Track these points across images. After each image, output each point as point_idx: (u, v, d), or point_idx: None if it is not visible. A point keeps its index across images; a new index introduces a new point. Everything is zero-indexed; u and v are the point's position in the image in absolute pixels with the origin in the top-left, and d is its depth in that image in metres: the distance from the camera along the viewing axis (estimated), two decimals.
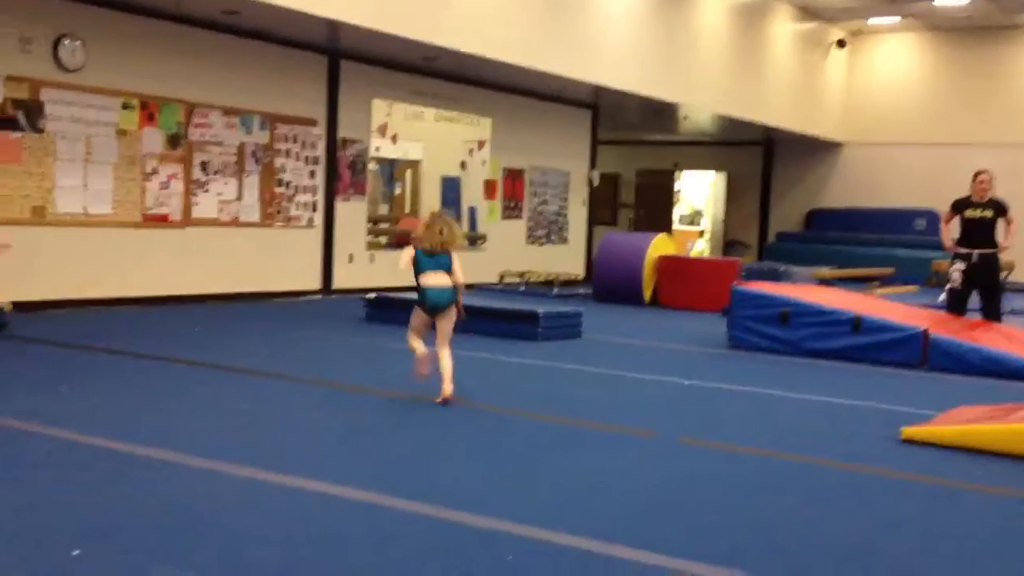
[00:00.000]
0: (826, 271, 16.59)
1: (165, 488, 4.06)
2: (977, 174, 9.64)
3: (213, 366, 7.02)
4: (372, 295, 10.21)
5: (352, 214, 12.84)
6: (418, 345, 6.16)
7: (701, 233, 22.89)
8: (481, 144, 15.86)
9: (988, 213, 9.47)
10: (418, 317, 6.23)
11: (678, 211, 23.17)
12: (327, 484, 4.17)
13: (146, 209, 10.42)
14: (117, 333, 8.48)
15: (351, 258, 12.76)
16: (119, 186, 10.14)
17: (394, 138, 17.34)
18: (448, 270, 6.16)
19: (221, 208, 10.85)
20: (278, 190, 11.81)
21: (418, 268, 6.15)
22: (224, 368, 6.96)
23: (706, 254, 21.94)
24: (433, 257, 6.13)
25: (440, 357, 6.12)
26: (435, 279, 6.12)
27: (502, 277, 14.81)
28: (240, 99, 11.29)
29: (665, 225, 22.19)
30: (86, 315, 9.52)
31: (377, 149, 15.89)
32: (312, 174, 12.26)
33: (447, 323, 6.16)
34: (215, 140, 11.03)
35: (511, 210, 15.68)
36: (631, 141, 23.06)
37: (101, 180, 9.97)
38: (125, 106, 10.17)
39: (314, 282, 12.35)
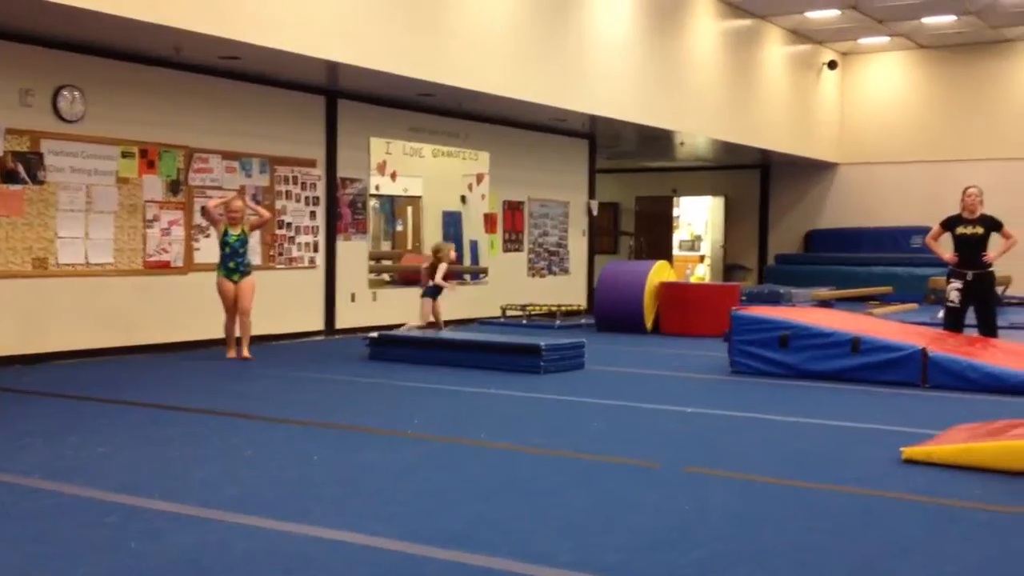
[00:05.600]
0: (825, 292, 16.67)
1: (172, 541, 4.10)
2: (965, 190, 9.72)
3: (221, 413, 7.07)
4: (375, 334, 10.28)
5: (353, 253, 12.94)
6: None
7: (701, 258, 22.98)
8: (480, 178, 15.99)
9: (979, 230, 9.53)
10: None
11: (678, 237, 23.26)
12: (333, 531, 4.21)
13: (147, 256, 10.51)
14: (123, 382, 8.54)
15: (353, 297, 12.84)
16: (120, 234, 10.25)
17: (393, 175, 17.50)
18: None
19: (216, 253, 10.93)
20: (279, 231, 11.91)
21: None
22: (231, 414, 7.01)
23: (707, 279, 22.01)
24: None
25: None
26: None
27: (504, 311, 14.87)
28: (239, 143, 11.43)
29: (665, 252, 22.31)
30: (91, 365, 9.59)
31: (377, 187, 16.04)
32: (313, 214, 12.37)
33: None
34: (215, 184, 11.15)
35: (512, 243, 15.77)
36: (629, 169, 23.20)
37: (102, 229, 10.08)
38: (124, 154, 10.29)
39: (317, 323, 12.42)
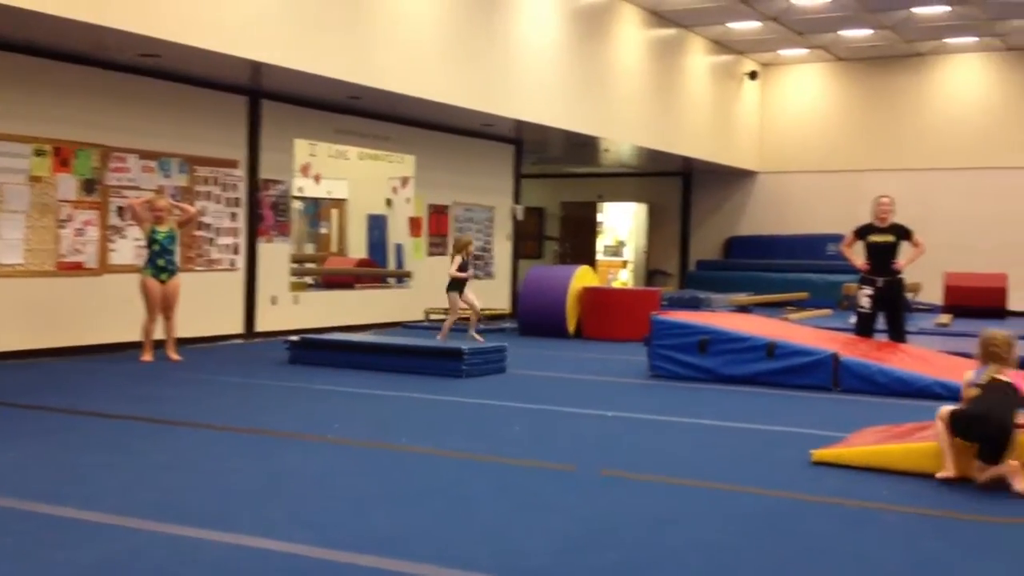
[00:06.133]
0: (743, 298, 17.00)
1: (86, 549, 4.03)
2: (877, 199, 10.02)
3: (137, 417, 6.95)
4: (295, 337, 10.21)
5: (275, 255, 12.80)
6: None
7: (625, 264, 23.24)
8: (405, 181, 15.95)
9: (890, 238, 9.83)
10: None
11: (602, 242, 23.50)
12: (252, 538, 4.18)
13: (61, 257, 10.28)
14: (36, 386, 8.33)
15: (274, 300, 12.71)
16: (32, 234, 9.99)
17: (317, 178, 17.38)
18: None
19: (139, 254, 10.74)
20: (198, 233, 11.73)
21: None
22: (145, 419, 6.90)
23: (630, 284, 22.27)
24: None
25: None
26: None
27: (428, 314, 14.86)
28: (158, 142, 11.23)
29: (590, 257, 22.51)
30: (1, 369, 9.33)
31: (300, 189, 15.90)
32: (233, 216, 12.21)
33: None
34: (132, 184, 10.94)
35: (436, 247, 15.77)
36: (555, 174, 23.36)
37: (13, 229, 9.82)
38: (38, 152, 10.04)
39: (236, 326, 12.26)
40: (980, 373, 5.49)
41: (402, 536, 4.24)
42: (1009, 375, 5.45)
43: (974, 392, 5.44)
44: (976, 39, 19.12)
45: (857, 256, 10.16)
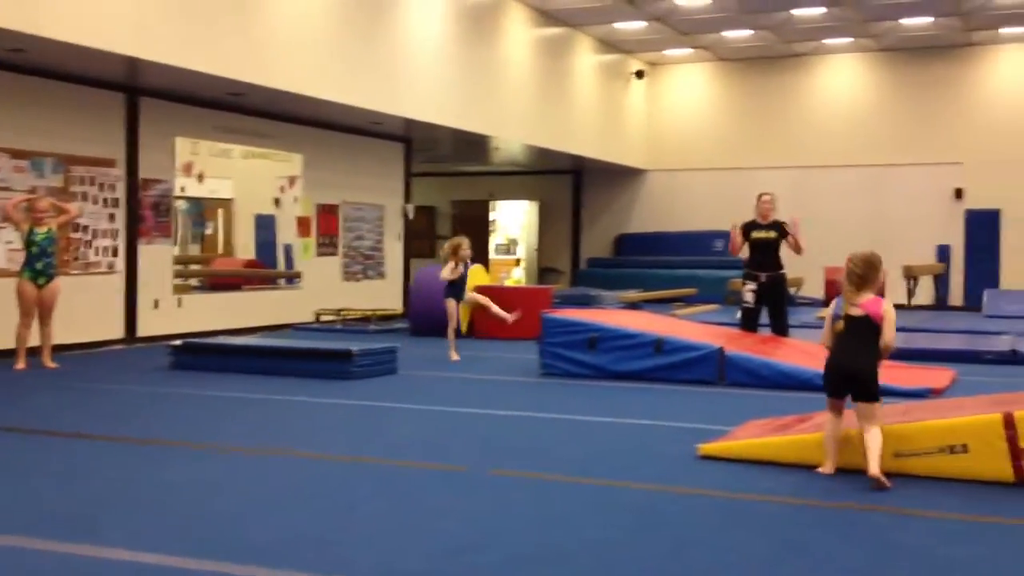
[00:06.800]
0: (632, 294, 17.24)
1: None
2: (760, 197, 10.26)
3: (8, 428, 6.63)
4: (178, 342, 9.90)
5: (157, 257, 12.40)
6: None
7: (517, 262, 23.32)
8: (292, 181, 15.67)
9: (772, 234, 10.07)
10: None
11: (495, 241, 23.53)
12: (126, 551, 4.02)
13: None
14: None
15: (156, 304, 12.31)
16: None
17: (200, 177, 16.93)
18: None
19: (11, 257, 10.27)
20: (75, 235, 11.28)
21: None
22: (16, 430, 6.58)
23: (523, 282, 22.35)
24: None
25: None
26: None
27: (318, 316, 14.63)
28: (29, 141, 10.76)
29: (482, 255, 22.50)
30: None
31: (182, 189, 15.47)
32: (112, 217, 11.78)
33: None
34: (3, 185, 10.46)
35: (326, 247, 15.53)
36: (446, 173, 23.29)
37: None
38: None
39: (116, 331, 11.83)
40: (839, 302, 5.45)
41: (281, 544, 4.13)
42: (866, 301, 5.34)
43: (838, 327, 5.42)
44: (851, 40, 19.78)
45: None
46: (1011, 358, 10.56)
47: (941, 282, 19.19)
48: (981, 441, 5.25)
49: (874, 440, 5.20)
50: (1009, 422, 5.19)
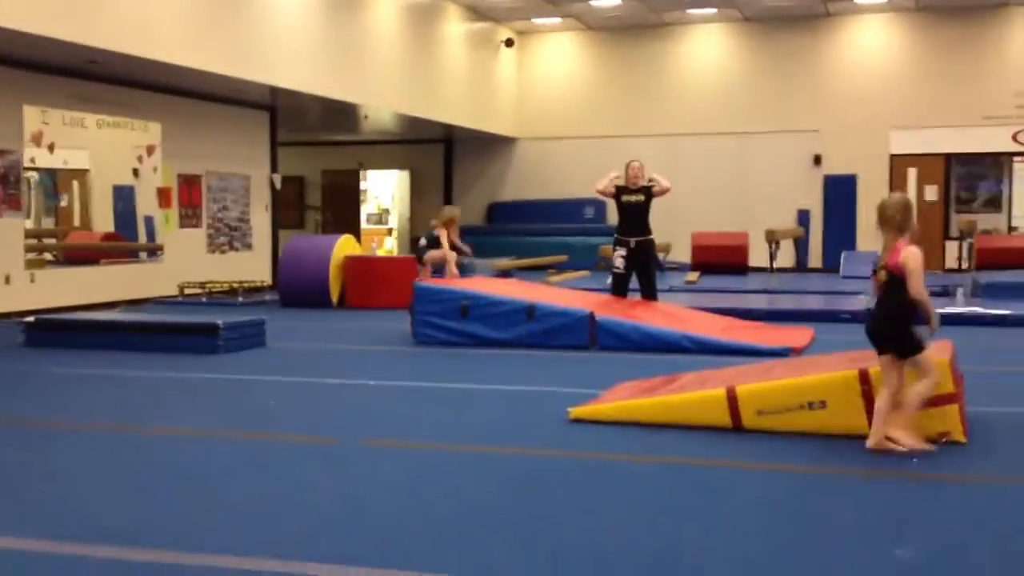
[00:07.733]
0: (505, 262, 17.29)
1: None
2: (628, 164, 10.41)
3: None
4: (31, 319, 9.44)
5: (6, 231, 11.78)
6: None
7: (390, 231, 23.11)
8: (151, 150, 15.07)
9: (640, 198, 10.24)
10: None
11: (366, 211, 23.23)
12: None
13: None
14: None
15: (8, 279, 11.70)
16: None
17: (51, 147, 16.10)
18: None
19: None
20: None
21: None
22: None
23: (396, 252, 22.17)
24: None
25: None
26: None
27: (182, 289, 14.18)
28: None
29: (353, 226, 22.18)
30: None
31: (32, 160, 14.70)
32: None
33: None
34: None
35: (189, 218, 15.03)
36: (314, 142, 22.82)
37: None
38: None
39: None
40: (877, 256, 5.32)
41: (143, 524, 3.98)
42: (900, 247, 5.09)
43: (880, 278, 5.23)
44: (715, 11, 20.17)
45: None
46: (866, 317, 11.00)
47: (801, 245, 19.85)
48: (838, 397, 5.44)
49: (913, 394, 5.06)
50: (864, 378, 5.40)
